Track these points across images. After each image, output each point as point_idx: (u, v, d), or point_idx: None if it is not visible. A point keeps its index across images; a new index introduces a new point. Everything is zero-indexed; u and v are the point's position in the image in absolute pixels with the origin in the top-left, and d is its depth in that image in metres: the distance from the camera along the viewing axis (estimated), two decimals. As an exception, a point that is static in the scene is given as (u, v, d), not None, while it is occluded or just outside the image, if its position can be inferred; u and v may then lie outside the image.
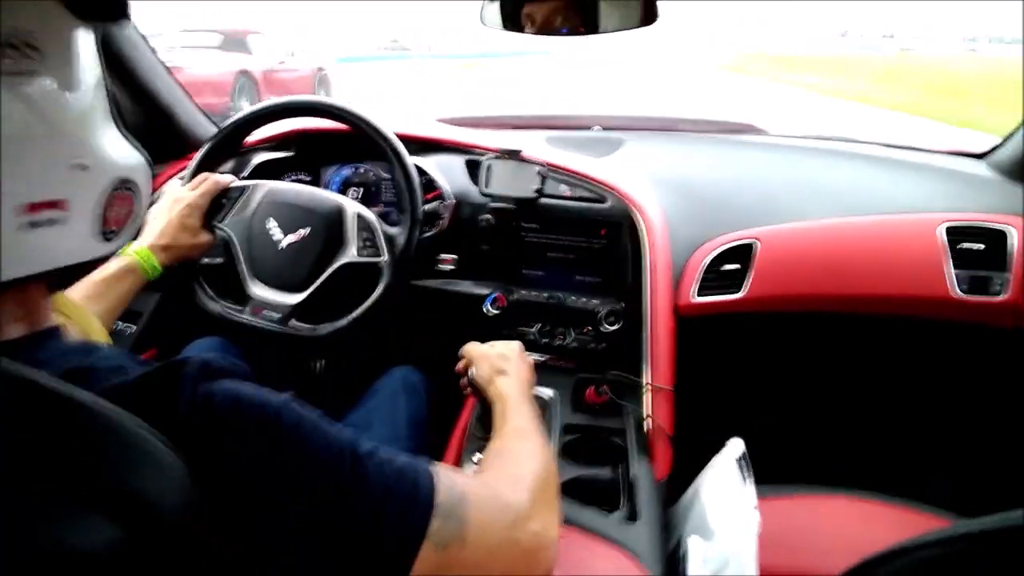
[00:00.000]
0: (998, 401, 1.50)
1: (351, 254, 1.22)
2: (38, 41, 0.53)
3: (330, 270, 1.22)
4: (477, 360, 1.04)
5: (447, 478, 0.60)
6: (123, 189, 0.62)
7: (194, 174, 1.26)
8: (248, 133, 1.32)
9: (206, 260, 1.27)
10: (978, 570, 0.50)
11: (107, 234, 0.61)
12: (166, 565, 0.46)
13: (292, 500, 0.53)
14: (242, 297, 1.23)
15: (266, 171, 1.50)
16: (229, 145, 1.32)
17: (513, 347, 1.07)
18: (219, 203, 1.24)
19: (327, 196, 1.27)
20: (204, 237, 1.21)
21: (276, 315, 1.21)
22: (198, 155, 1.28)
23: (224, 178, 1.26)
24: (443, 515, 0.57)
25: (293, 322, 1.21)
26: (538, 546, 0.63)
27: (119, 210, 0.62)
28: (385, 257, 1.22)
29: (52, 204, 0.55)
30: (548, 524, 0.66)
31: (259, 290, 1.23)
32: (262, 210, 1.25)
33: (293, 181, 1.50)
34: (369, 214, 1.25)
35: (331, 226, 1.24)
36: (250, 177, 1.46)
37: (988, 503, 0.60)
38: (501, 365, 1.01)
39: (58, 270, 0.56)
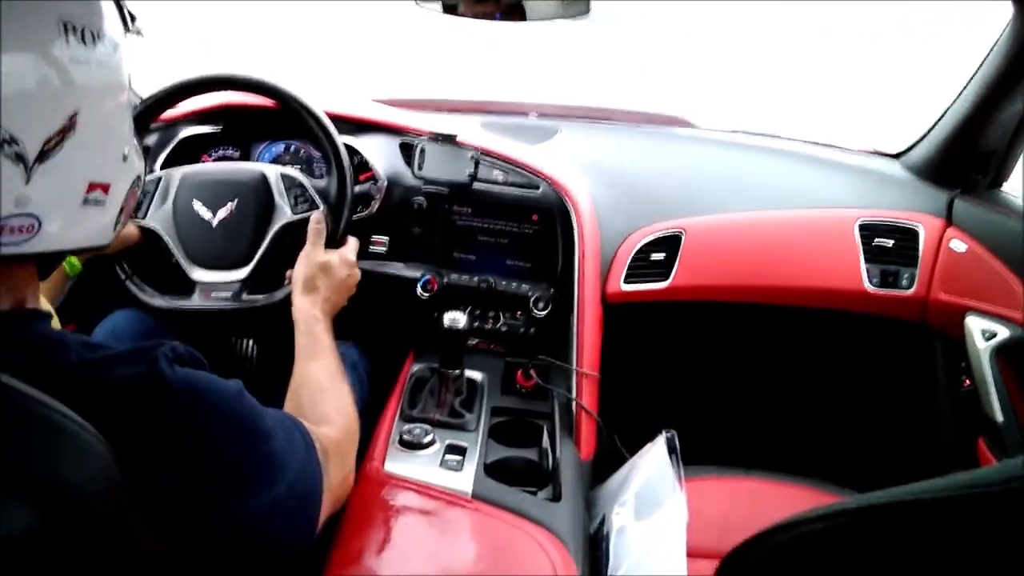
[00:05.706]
0: (904, 390, 1.59)
1: (286, 214, 1.21)
2: (95, 26, 0.54)
3: (270, 235, 1.20)
4: (299, 261, 1.09)
5: (315, 441, 0.74)
6: (136, 185, 0.64)
7: None
8: (169, 107, 1.27)
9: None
10: (856, 543, 0.54)
11: (116, 225, 0.63)
12: (87, 548, 0.46)
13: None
14: (187, 285, 1.19)
15: (192, 146, 1.45)
16: (148, 119, 1.27)
17: (343, 258, 1.12)
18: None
19: (247, 166, 1.25)
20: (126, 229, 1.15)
21: (227, 293, 1.18)
22: None
23: None
24: (324, 471, 0.73)
25: (246, 296, 1.18)
26: (349, 485, 0.84)
27: (130, 203, 0.64)
28: (323, 207, 1.20)
29: (103, 187, 0.57)
30: (353, 465, 0.86)
31: (202, 274, 1.19)
32: (183, 195, 1.21)
33: (219, 157, 1.46)
34: (294, 172, 1.24)
35: (258, 193, 1.21)
36: (174, 152, 1.41)
37: (890, 483, 0.64)
38: (316, 280, 1.06)
39: (73, 250, 0.57)
